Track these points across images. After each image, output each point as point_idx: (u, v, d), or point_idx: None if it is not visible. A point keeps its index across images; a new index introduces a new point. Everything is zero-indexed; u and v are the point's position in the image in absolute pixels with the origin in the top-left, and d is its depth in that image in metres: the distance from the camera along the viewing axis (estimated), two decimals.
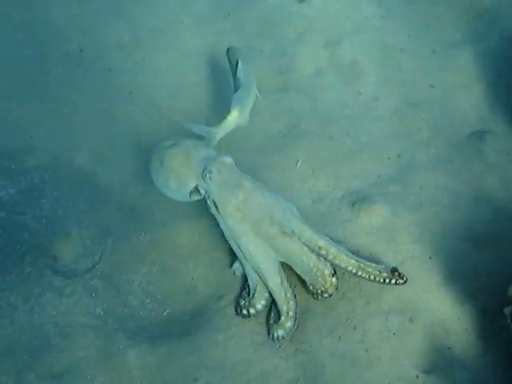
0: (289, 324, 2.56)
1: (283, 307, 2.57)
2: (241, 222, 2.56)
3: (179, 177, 2.66)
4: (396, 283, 2.60)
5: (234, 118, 3.11)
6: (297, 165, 3.33)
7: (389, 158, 3.33)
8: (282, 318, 2.56)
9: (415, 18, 4.11)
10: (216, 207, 2.60)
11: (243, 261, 2.67)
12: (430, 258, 2.83)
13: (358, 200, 3.09)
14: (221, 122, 3.09)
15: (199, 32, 4.11)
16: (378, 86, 3.75)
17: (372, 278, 2.57)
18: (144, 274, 2.87)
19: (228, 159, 2.65)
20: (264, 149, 3.43)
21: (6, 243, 2.91)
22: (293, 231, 2.56)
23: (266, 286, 2.62)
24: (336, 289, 2.61)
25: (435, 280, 2.75)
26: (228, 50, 3.58)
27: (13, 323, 2.63)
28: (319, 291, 2.61)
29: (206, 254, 2.93)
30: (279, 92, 3.77)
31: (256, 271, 2.64)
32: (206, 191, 2.60)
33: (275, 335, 2.56)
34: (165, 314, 2.77)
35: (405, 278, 2.61)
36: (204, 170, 2.58)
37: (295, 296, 2.62)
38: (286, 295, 2.58)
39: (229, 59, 3.52)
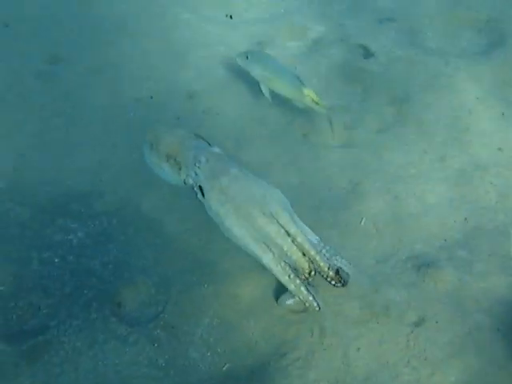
0: (303, 292, 2.63)
1: (285, 277, 2.62)
2: (224, 204, 2.67)
3: (171, 162, 2.87)
4: (334, 285, 2.69)
5: (309, 91, 3.60)
6: (361, 223, 3.32)
7: (455, 222, 3.28)
8: (293, 289, 2.63)
9: (484, 79, 4.09)
10: (202, 192, 2.74)
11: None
12: (499, 329, 2.75)
13: (424, 264, 3.05)
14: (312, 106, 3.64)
15: None
16: (444, 146, 3.72)
17: (320, 271, 2.65)
18: (205, 327, 2.88)
19: (217, 149, 2.85)
20: (327, 205, 3.43)
21: (73, 287, 2.98)
22: (271, 214, 2.63)
23: (262, 264, 2.68)
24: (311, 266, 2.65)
25: (503, 353, 2.67)
26: (248, 54, 3.87)
27: (77, 369, 2.68)
28: (302, 275, 2.66)
29: (268, 309, 2.92)
30: (344, 147, 3.79)
31: (249, 253, 2.70)
32: (194, 179, 2.77)
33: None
34: (225, 368, 2.76)
35: (342, 283, 2.69)
36: (194, 159, 2.76)
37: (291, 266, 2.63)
38: (282, 266, 2.62)
39: (250, 61, 3.84)
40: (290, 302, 2.81)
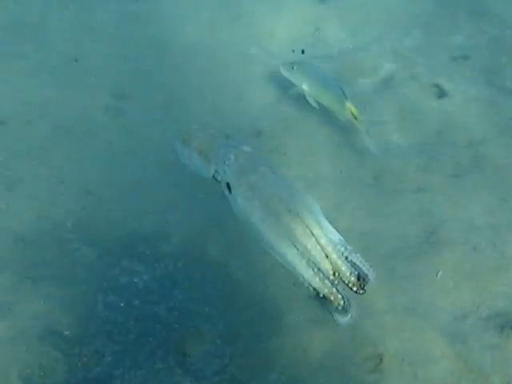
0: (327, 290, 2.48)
1: (309, 272, 2.50)
2: (250, 199, 2.63)
3: (201, 158, 2.90)
4: (356, 292, 2.52)
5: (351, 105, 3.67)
6: (437, 275, 3.14)
7: None
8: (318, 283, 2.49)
9: None
10: (229, 188, 2.71)
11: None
12: None
13: (508, 323, 2.85)
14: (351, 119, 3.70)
15: (332, 121, 4.08)
16: None
17: (341, 276, 2.52)
18: (272, 383, 2.76)
19: (247, 147, 2.83)
20: (400, 255, 3.27)
21: (138, 334, 2.91)
22: (297, 213, 2.57)
23: (284, 262, 2.57)
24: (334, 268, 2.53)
25: None
26: (294, 65, 3.92)
27: None
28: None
29: (339, 366, 2.77)
30: (418, 192, 3.63)
31: (271, 251, 2.62)
32: (222, 176, 2.77)
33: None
34: None
35: (364, 290, 2.53)
36: (223, 156, 2.78)
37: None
38: (306, 261, 2.51)
39: (295, 71, 3.90)
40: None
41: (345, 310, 2.56)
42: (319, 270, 2.51)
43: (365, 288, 2.53)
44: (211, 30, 5.06)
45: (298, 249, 2.53)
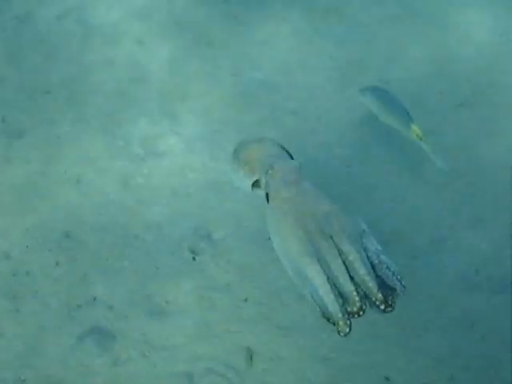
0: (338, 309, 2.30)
1: (326, 287, 2.32)
2: (285, 212, 2.58)
3: (249, 167, 2.86)
4: (384, 310, 2.32)
5: (416, 127, 3.77)
6: None
7: None
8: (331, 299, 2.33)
9: None
10: (267, 199, 2.68)
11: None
12: None
13: None
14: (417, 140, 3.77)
15: None
16: None
17: (368, 294, 2.35)
18: None
19: (294, 162, 2.79)
20: None
21: None
22: (331, 236, 2.46)
23: (300, 280, 2.44)
24: (361, 308, 2.32)
25: None
26: (367, 90, 4.13)
27: None
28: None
29: None
30: None
31: (289, 266, 2.49)
32: (264, 185, 2.74)
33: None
34: None
35: (392, 307, 2.34)
36: (269, 166, 2.74)
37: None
38: (326, 279, 2.35)
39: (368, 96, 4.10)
40: None
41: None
42: (339, 295, 2.36)
43: (393, 305, 2.34)
44: None
45: (322, 266, 2.40)
